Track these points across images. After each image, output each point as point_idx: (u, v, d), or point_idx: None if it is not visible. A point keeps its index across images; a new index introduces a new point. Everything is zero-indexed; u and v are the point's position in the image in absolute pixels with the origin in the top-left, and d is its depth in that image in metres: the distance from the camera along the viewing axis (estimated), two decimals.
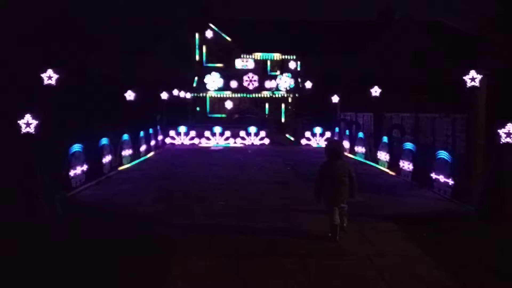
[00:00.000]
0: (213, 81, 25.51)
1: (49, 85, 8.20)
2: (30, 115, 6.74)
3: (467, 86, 7.53)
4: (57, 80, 8.30)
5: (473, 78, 7.46)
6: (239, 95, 26.74)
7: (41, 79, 8.29)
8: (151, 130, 16.67)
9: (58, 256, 5.20)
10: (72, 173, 8.90)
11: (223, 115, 27.52)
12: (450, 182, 8.24)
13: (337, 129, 18.55)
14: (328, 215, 5.79)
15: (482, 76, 7.40)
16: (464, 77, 7.55)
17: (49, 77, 8.23)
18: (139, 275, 4.70)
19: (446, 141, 11.33)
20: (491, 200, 6.50)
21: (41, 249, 5.47)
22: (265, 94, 26.48)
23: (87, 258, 5.14)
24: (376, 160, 12.91)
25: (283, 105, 27.91)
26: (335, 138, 18.47)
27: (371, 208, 7.47)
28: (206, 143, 19.65)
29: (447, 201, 8.02)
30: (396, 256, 5.25)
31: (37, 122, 6.79)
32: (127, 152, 12.95)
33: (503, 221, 6.32)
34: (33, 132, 6.74)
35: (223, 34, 30.54)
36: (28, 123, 6.72)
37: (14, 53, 22.21)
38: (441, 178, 8.58)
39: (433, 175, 8.92)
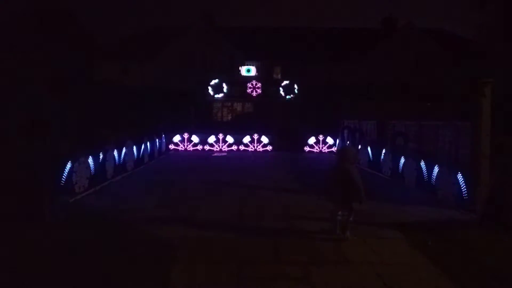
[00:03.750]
0: (217, 88, 25.57)
1: (56, 92, 8.25)
2: (35, 121, 6.77)
3: (470, 94, 7.52)
4: (61, 85, 8.33)
5: (477, 86, 7.45)
6: (242, 102, 26.77)
7: (46, 85, 8.33)
8: (154, 136, 16.70)
9: (57, 260, 5.19)
10: (75, 178, 8.92)
11: (226, 122, 27.53)
12: (454, 190, 8.20)
13: (340, 137, 18.54)
14: (333, 214, 6.07)
15: (486, 83, 7.38)
16: (467, 85, 7.54)
17: (55, 83, 8.27)
18: (138, 281, 4.68)
19: (450, 149, 11.28)
20: (495, 208, 6.46)
21: (41, 252, 5.45)
22: (268, 101, 26.51)
23: (86, 263, 5.14)
24: (380, 168, 12.88)
25: (286, 112, 27.94)
26: (339, 145, 18.45)
27: (374, 216, 7.43)
28: (209, 149, 19.67)
29: (451, 209, 7.97)
30: (400, 264, 5.21)
31: (42, 127, 6.83)
32: (130, 158, 12.97)
33: (507, 230, 6.27)
34: (38, 138, 6.77)
35: (226, 42, 30.67)
36: (33, 128, 6.74)
37: (17, 57, 22.36)
38: (445, 186, 8.53)
39: (437, 183, 8.87)
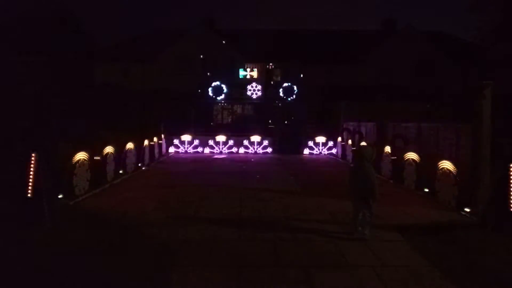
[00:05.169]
0: (217, 90, 25.58)
1: (54, 93, 8.25)
2: (34, 123, 6.78)
3: (472, 96, 7.52)
4: (62, 89, 8.34)
5: (477, 88, 7.45)
6: (242, 104, 26.81)
7: (45, 87, 8.33)
8: (155, 139, 16.70)
9: (57, 263, 5.19)
10: (75, 181, 8.91)
11: (227, 124, 27.52)
12: (455, 192, 8.19)
13: (340, 138, 18.54)
14: (354, 214, 6.32)
15: (487, 86, 7.39)
16: (468, 87, 7.54)
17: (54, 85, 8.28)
18: (139, 284, 4.67)
19: (450, 150, 11.28)
20: (496, 210, 6.45)
21: (41, 255, 5.46)
22: (269, 103, 26.54)
23: (86, 265, 5.13)
24: (379, 170, 12.86)
25: (286, 114, 27.95)
26: (338, 147, 18.45)
27: (375, 218, 7.40)
28: (210, 151, 19.66)
29: (451, 211, 7.96)
30: (401, 267, 5.21)
31: (41, 130, 6.83)
32: (130, 160, 12.96)
33: (507, 232, 6.27)
34: (37, 140, 6.78)
35: (227, 44, 30.72)
36: (33, 130, 6.75)
37: (18, 60, 22.40)
38: (445, 188, 8.53)
39: (437, 185, 8.87)
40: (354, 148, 6.97)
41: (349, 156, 16.61)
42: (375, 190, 6.14)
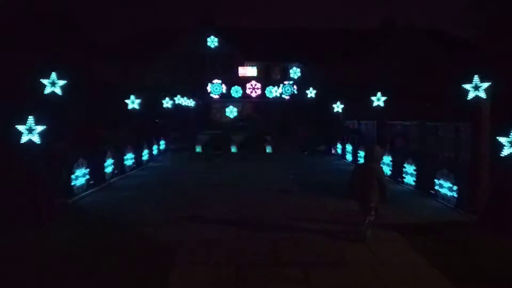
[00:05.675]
0: (216, 88, 25.53)
1: (53, 92, 8.21)
2: (32, 122, 6.75)
3: (471, 95, 7.49)
4: (62, 87, 8.29)
5: (476, 87, 7.43)
6: (242, 102, 26.76)
7: (43, 86, 8.28)
8: (153, 137, 16.68)
9: (55, 263, 5.16)
10: (73, 179, 8.89)
11: (226, 123, 27.46)
12: (454, 191, 8.17)
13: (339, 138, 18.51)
14: (359, 212, 6.18)
15: (486, 84, 7.36)
16: (467, 86, 7.51)
17: (53, 83, 8.24)
18: (138, 284, 4.65)
19: (449, 150, 11.27)
20: (495, 210, 6.43)
21: (39, 255, 5.43)
22: (268, 101, 26.50)
23: (85, 265, 5.11)
24: None
25: (286, 113, 27.89)
26: (336, 146, 18.42)
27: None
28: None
29: (451, 211, 7.94)
30: (399, 266, 5.19)
31: (39, 128, 6.80)
32: (129, 159, 12.94)
33: (507, 231, 6.25)
34: (35, 139, 6.74)
35: (226, 42, 30.68)
36: (30, 130, 6.72)
37: (15, 58, 22.33)
38: (445, 188, 8.51)
39: (437, 185, 8.85)
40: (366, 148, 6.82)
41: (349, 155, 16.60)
42: (386, 191, 6.01)
